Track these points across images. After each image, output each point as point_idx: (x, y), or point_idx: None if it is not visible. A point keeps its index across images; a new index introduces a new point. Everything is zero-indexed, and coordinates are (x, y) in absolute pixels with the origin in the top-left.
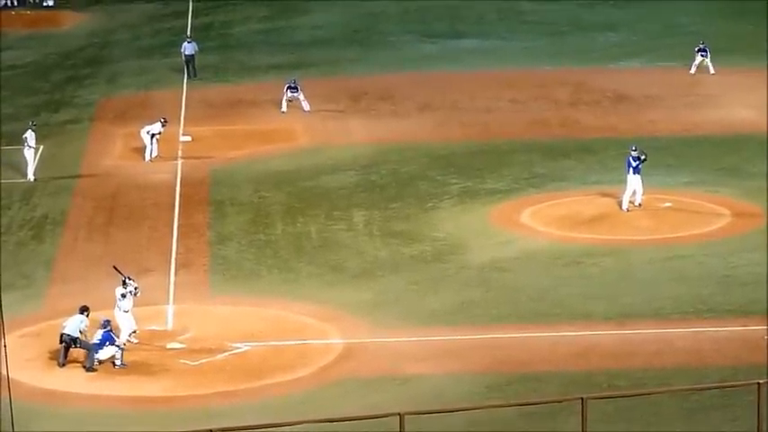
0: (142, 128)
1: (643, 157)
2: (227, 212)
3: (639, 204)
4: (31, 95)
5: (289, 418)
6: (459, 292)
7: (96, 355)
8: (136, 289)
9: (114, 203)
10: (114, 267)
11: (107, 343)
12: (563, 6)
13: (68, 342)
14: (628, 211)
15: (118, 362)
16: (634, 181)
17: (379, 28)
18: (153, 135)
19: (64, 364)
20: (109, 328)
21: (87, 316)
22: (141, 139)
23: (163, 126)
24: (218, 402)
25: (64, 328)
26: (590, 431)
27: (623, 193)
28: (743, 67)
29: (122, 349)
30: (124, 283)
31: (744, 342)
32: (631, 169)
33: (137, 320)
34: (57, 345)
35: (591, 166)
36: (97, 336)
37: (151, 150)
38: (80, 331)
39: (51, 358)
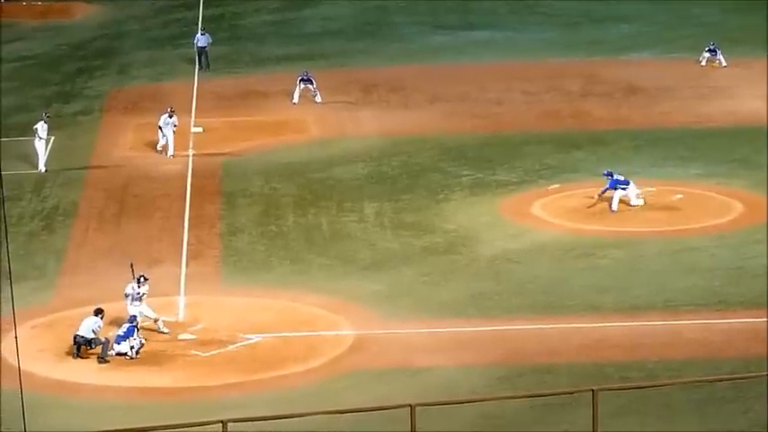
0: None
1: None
2: (238, 204)
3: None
4: (42, 87)
5: (299, 409)
6: (469, 283)
7: (118, 347)
8: (140, 294)
9: (125, 194)
10: (131, 266)
11: (129, 336)
12: None
13: (81, 343)
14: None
15: (131, 352)
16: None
17: (390, 19)
18: (160, 127)
19: (78, 356)
20: (135, 323)
21: (102, 318)
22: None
23: (170, 116)
24: (228, 393)
25: (78, 330)
26: (601, 423)
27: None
28: (755, 59)
29: (142, 343)
30: (139, 281)
31: (755, 334)
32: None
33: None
34: (68, 335)
35: (602, 157)
36: (122, 328)
37: (159, 142)
38: (93, 332)
39: (62, 349)
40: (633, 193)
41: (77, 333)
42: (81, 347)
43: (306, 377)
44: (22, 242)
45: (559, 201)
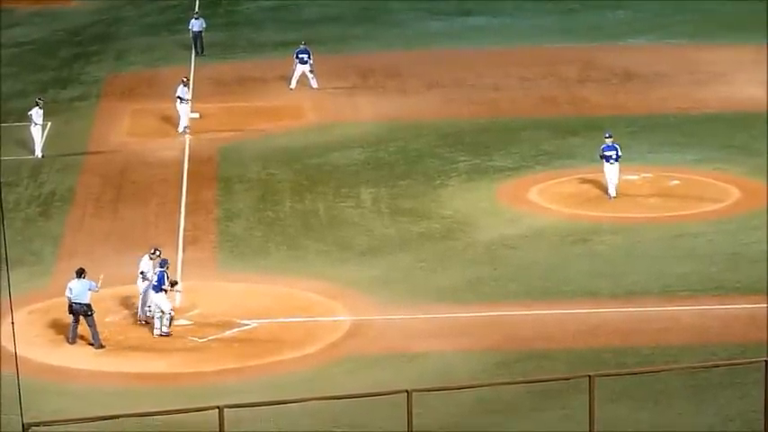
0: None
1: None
2: (235, 189)
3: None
4: (39, 72)
5: (296, 394)
6: (466, 269)
7: (156, 297)
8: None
9: (122, 180)
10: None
11: (162, 284)
12: None
13: (79, 311)
14: (612, 199)
15: (158, 331)
16: (609, 171)
17: (387, 5)
18: (179, 98)
19: (74, 341)
20: (165, 267)
21: (85, 278)
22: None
23: (185, 86)
24: (225, 379)
25: (71, 296)
26: (597, 408)
27: (606, 182)
28: (753, 44)
29: (171, 316)
30: (162, 262)
31: (752, 320)
32: (604, 159)
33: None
34: (65, 321)
35: (599, 143)
36: (155, 278)
37: (180, 118)
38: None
39: (59, 335)
40: (615, 175)
41: (73, 300)
42: (78, 321)
43: (303, 363)
44: (19, 228)
45: (556, 186)
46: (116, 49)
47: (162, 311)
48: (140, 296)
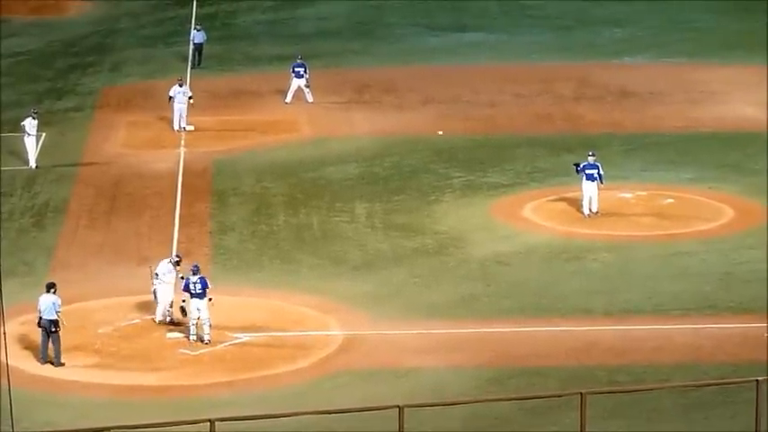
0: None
1: (596, 172)
2: (229, 202)
3: (597, 212)
4: (35, 83)
5: (288, 409)
6: (460, 285)
7: (196, 301)
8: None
9: (116, 192)
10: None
11: (204, 293)
12: (568, 1)
13: (47, 327)
14: (588, 216)
15: (207, 336)
16: (588, 188)
17: (383, 20)
18: (171, 97)
19: (46, 361)
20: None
21: (54, 293)
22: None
23: (180, 86)
24: (217, 392)
25: (40, 311)
26: (589, 426)
27: (582, 200)
28: (748, 64)
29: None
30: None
31: (744, 339)
32: (584, 176)
33: (138, 310)
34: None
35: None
36: (197, 286)
37: (177, 120)
38: (56, 312)
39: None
40: (594, 193)
41: (41, 316)
42: (49, 332)
43: (295, 377)
44: (13, 238)
45: (551, 204)
46: (112, 60)
47: (199, 318)
48: (160, 299)
